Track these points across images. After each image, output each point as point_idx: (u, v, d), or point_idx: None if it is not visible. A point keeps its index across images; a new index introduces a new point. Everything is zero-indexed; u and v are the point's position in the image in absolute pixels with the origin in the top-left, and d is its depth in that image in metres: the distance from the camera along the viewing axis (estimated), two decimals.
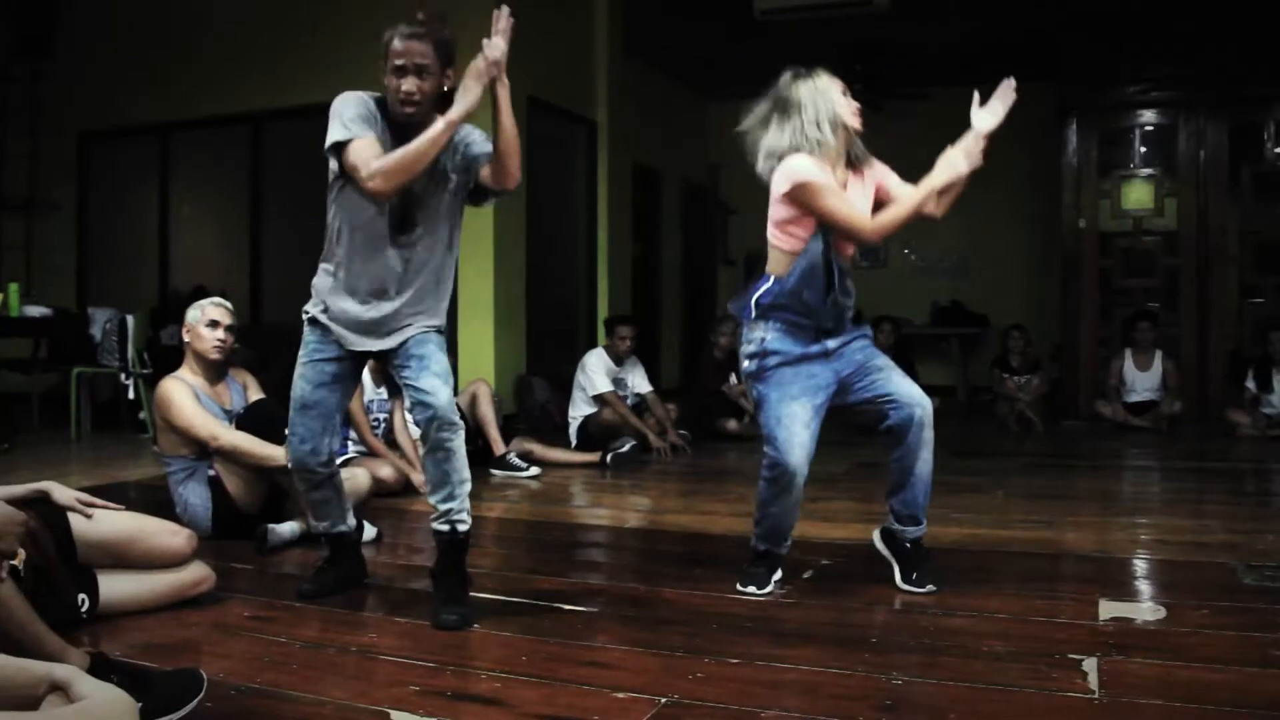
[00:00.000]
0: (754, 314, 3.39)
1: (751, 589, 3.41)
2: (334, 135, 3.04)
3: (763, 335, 3.36)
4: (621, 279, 10.07)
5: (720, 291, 13.00)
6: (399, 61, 3.04)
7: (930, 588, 3.37)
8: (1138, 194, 9.33)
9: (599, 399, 7.02)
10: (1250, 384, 8.11)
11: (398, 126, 3.08)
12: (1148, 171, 9.28)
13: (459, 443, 3.10)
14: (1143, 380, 8.58)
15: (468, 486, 3.14)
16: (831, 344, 3.37)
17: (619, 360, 7.23)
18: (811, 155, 3.29)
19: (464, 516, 3.13)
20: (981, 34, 9.80)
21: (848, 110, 3.37)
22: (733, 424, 7.89)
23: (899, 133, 11.94)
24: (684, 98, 12.13)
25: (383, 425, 5.49)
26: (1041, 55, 9.92)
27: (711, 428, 7.85)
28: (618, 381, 7.19)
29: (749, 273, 12.84)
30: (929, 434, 3.35)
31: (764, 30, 9.31)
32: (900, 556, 3.49)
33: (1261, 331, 8.48)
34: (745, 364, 3.43)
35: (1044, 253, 11.66)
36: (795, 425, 3.28)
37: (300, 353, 3.26)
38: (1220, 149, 8.89)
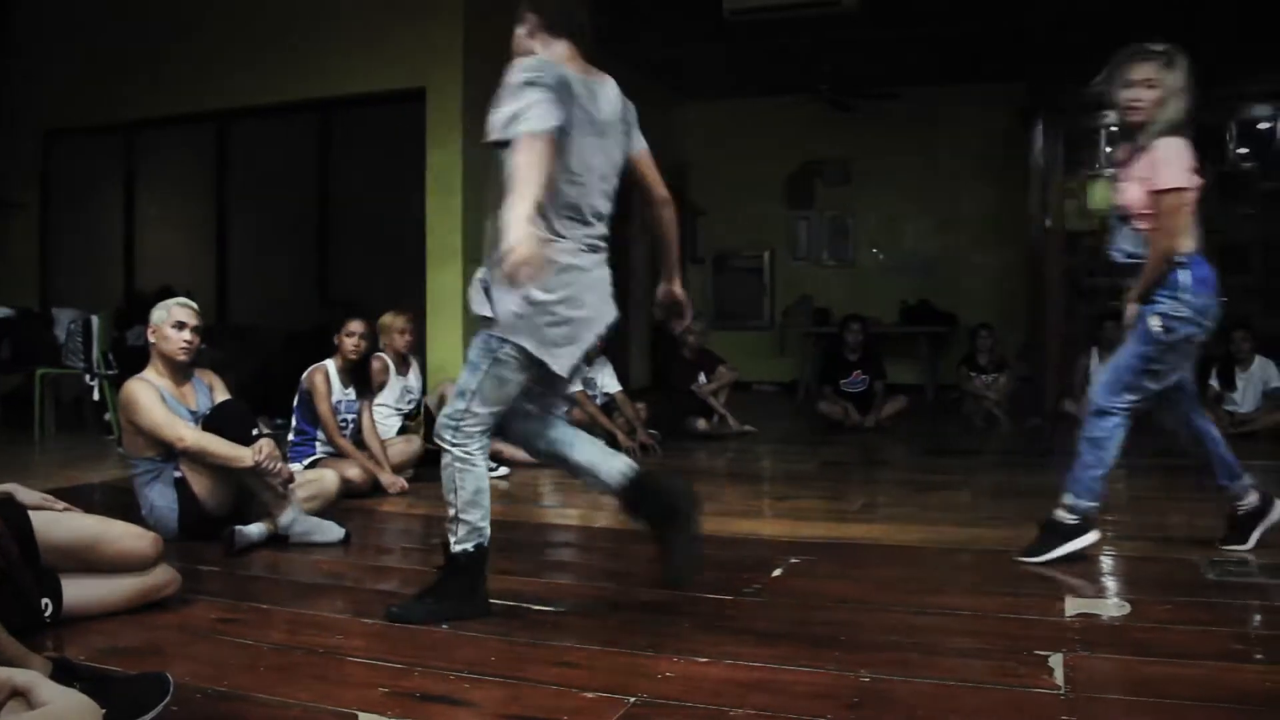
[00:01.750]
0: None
1: None
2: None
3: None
4: None
5: (689, 290, 12.98)
6: None
7: None
8: (1104, 193, 9.40)
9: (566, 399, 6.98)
10: (1214, 382, 8.20)
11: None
12: (1114, 171, 9.33)
13: (444, 460, 3.08)
14: None
15: (450, 505, 3.10)
16: None
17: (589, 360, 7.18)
18: None
19: (452, 528, 3.11)
20: (949, 35, 9.87)
21: None
22: (702, 423, 7.91)
23: (868, 132, 12.12)
24: (652, 96, 12.13)
25: (351, 426, 5.46)
26: (1008, 56, 10.03)
27: (681, 427, 7.85)
28: (587, 381, 7.17)
29: (717, 271, 12.89)
30: None
31: (733, 30, 9.34)
32: None
33: (1224, 330, 8.55)
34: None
35: (1010, 252, 11.77)
36: None
37: None
38: None
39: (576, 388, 6.95)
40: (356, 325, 5.36)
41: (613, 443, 6.82)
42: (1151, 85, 3.68)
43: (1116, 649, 2.80)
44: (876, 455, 7.28)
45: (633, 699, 2.45)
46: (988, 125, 11.83)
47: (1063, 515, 3.79)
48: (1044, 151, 9.28)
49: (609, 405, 7.25)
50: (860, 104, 11.35)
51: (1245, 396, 8.16)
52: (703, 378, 8.06)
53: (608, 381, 7.31)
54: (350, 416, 5.46)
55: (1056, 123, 9.26)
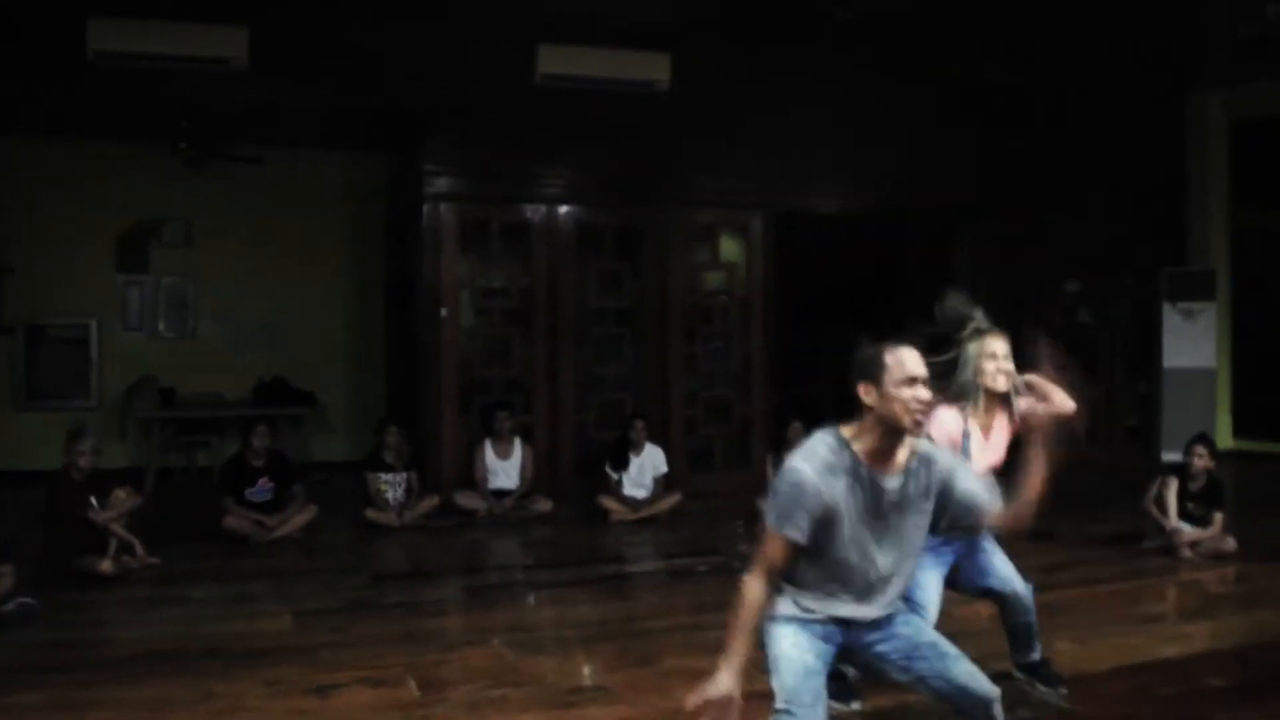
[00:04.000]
0: None
1: None
2: None
3: None
4: None
5: None
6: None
7: None
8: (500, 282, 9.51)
9: None
10: (609, 469, 8.64)
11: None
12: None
13: None
14: (505, 468, 8.75)
15: None
16: None
17: None
18: None
19: None
20: (341, 102, 9.32)
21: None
22: (106, 564, 6.42)
23: (217, 191, 10.98)
24: None
25: None
26: (395, 130, 9.73)
27: (76, 569, 6.35)
28: None
29: (31, 345, 10.86)
30: None
31: (98, 73, 7.96)
32: None
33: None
34: None
35: (369, 328, 11.50)
36: None
37: None
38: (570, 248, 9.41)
39: None
40: None
41: None
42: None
43: None
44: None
45: None
46: (356, 195, 11.45)
47: None
48: (438, 236, 9.07)
49: None
50: (219, 164, 10.31)
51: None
52: (94, 501, 6.61)
53: None
54: None
55: (452, 210, 9.11)
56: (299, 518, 7.86)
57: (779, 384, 10.22)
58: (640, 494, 8.59)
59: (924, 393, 2.78)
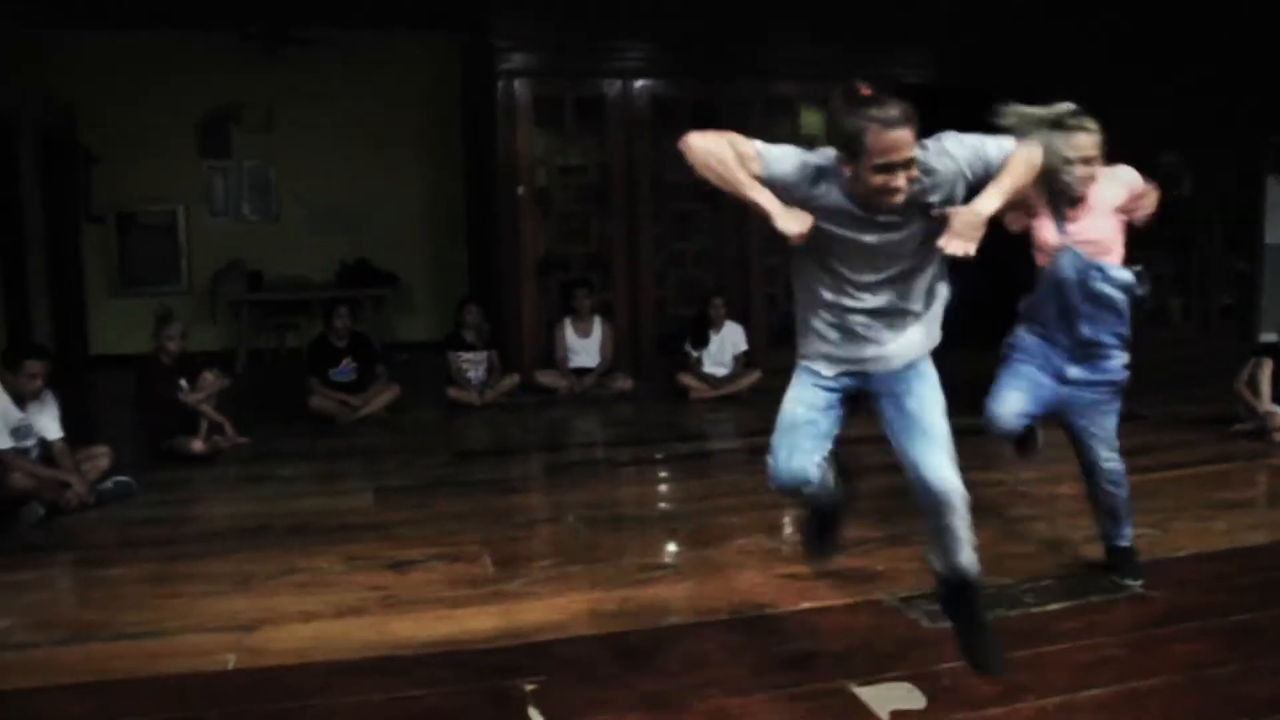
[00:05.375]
0: None
1: None
2: None
3: None
4: None
5: (88, 253, 11.03)
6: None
7: None
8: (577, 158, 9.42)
9: None
10: (689, 347, 8.61)
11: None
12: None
13: None
14: (585, 346, 8.77)
15: None
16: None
17: (23, 402, 5.44)
18: None
19: None
20: None
21: None
22: (197, 444, 6.64)
23: (293, 76, 10.97)
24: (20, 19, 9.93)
25: None
26: (467, 7, 9.56)
27: (168, 449, 6.57)
28: (20, 431, 5.39)
29: (122, 232, 11.10)
30: None
31: None
32: None
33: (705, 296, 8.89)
34: None
35: (448, 209, 11.50)
36: None
37: None
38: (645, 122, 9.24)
39: (6, 444, 5.30)
40: None
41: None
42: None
43: None
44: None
45: None
46: (432, 75, 11.35)
47: None
48: (513, 114, 8.97)
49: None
50: (291, 49, 10.27)
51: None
52: (184, 383, 6.80)
53: (48, 425, 5.54)
54: None
55: (526, 86, 8.99)
56: (382, 397, 8.00)
57: None
58: (720, 371, 8.56)
59: (901, 181, 2.64)
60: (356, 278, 11.29)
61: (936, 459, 2.85)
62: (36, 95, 9.79)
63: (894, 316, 2.90)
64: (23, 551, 4.81)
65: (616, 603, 3.88)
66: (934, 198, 2.75)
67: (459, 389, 8.35)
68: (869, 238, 2.78)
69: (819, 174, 2.80)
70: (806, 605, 3.78)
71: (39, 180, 9.69)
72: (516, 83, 8.95)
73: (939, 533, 2.90)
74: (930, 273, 2.90)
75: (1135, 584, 3.85)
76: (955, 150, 2.76)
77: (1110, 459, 3.82)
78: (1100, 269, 3.61)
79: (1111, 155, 3.65)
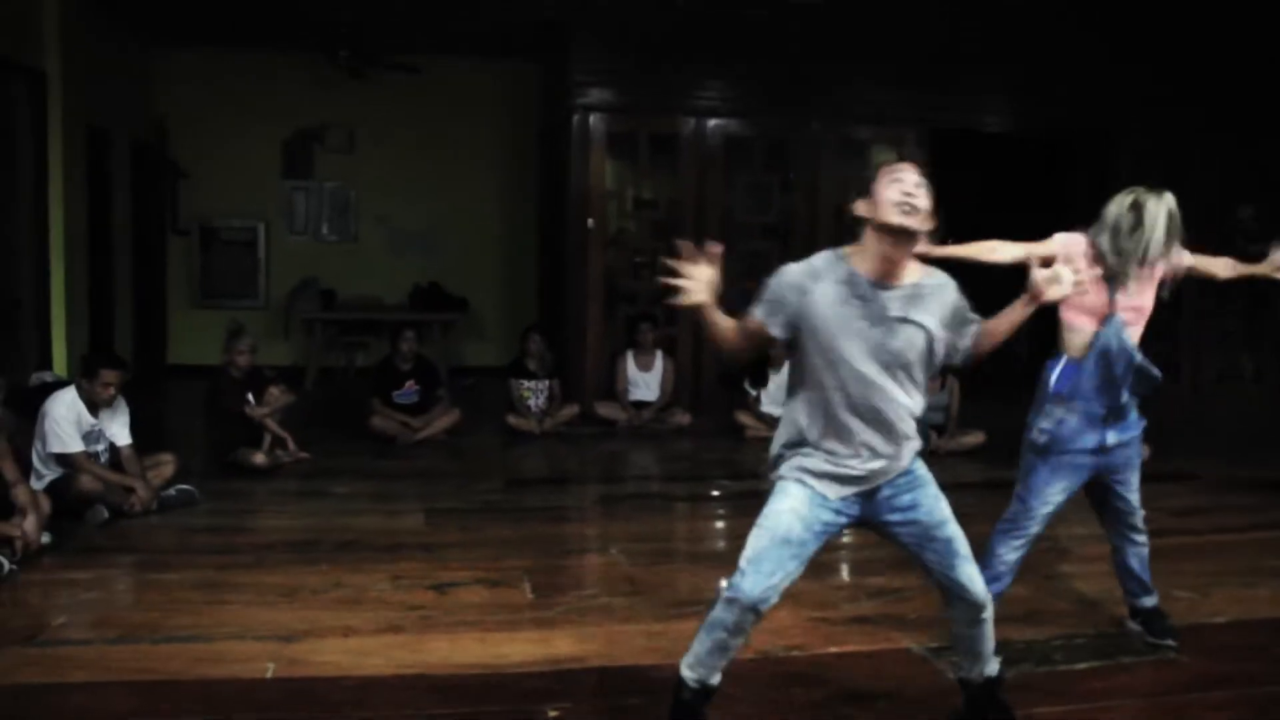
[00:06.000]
0: None
1: None
2: None
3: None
4: (79, 257, 8.49)
5: (171, 264, 11.40)
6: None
7: None
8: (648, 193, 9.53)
9: (66, 460, 5.45)
10: (748, 385, 8.62)
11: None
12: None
13: None
14: (646, 380, 8.82)
15: None
16: None
17: (96, 408, 5.63)
18: None
19: None
20: (497, 15, 9.40)
21: None
22: (259, 458, 6.81)
23: (375, 99, 11.25)
24: (123, 39, 10.33)
25: None
26: (546, 41, 9.75)
27: (232, 461, 6.75)
28: (91, 435, 5.58)
29: (205, 246, 11.43)
30: None
31: None
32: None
33: None
34: None
35: (520, 237, 11.65)
36: None
37: None
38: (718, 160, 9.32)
39: (78, 447, 5.48)
40: None
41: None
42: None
43: None
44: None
45: None
46: (510, 104, 11.55)
47: None
48: (587, 147, 9.12)
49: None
50: (375, 73, 10.52)
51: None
52: (250, 397, 6.99)
53: (118, 432, 5.72)
54: None
55: (601, 121, 9.13)
56: (442, 420, 8.13)
57: None
58: (778, 411, 8.47)
59: (910, 186, 2.74)
60: (428, 300, 11.49)
61: (969, 570, 2.88)
62: (132, 108, 10.17)
63: (892, 421, 2.84)
64: (85, 552, 4.99)
65: (648, 636, 3.92)
66: (928, 306, 2.84)
67: (519, 416, 8.45)
68: (875, 329, 2.80)
69: (822, 269, 2.90)
70: (834, 650, 3.79)
71: (129, 191, 10.03)
72: (592, 117, 9.10)
73: (974, 635, 2.95)
74: (923, 383, 2.90)
75: (1171, 643, 3.79)
76: (952, 293, 2.90)
77: (1141, 509, 3.81)
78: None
79: (1185, 207, 3.63)
